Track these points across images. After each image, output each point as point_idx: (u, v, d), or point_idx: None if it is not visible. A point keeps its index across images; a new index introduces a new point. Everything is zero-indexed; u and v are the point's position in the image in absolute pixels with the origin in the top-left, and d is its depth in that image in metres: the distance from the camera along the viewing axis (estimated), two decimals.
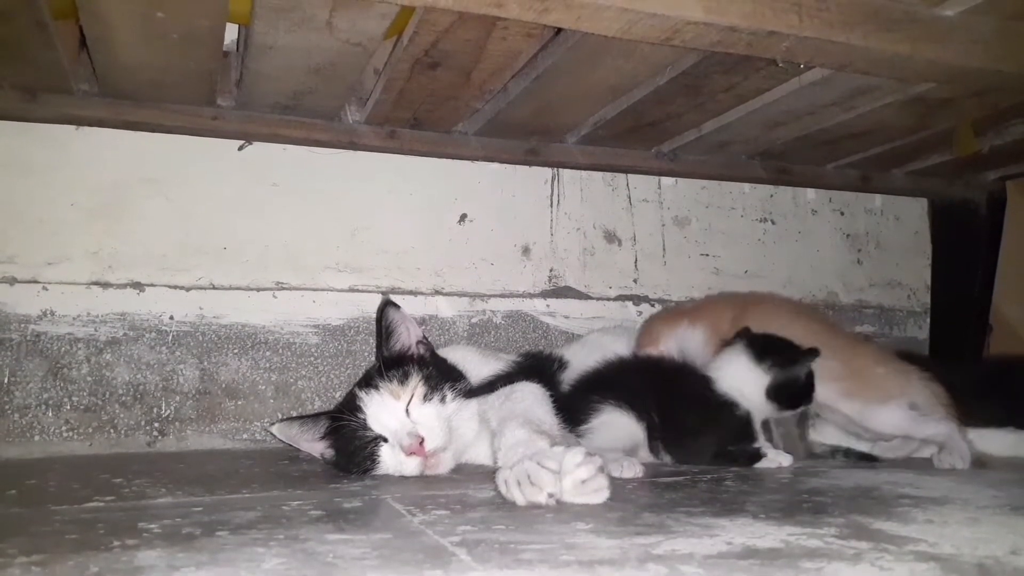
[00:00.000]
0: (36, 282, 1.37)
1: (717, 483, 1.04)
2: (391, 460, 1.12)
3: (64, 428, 1.36)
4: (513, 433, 1.00)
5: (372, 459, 1.13)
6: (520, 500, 0.87)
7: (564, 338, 1.67)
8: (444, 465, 1.13)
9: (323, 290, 1.54)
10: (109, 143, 1.41)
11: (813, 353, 1.19)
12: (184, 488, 1.00)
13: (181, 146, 1.45)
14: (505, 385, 1.20)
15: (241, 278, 1.49)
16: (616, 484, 0.92)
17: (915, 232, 2.04)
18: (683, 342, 1.37)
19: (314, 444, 1.23)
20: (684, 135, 1.58)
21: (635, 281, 1.78)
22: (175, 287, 1.45)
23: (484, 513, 0.84)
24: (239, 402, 1.46)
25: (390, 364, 1.18)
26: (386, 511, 0.87)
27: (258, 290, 1.50)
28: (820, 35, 1.01)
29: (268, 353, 1.49)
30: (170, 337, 1.43)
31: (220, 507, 0.88)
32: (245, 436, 1.46)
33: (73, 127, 1.39)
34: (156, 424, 1.41)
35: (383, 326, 1.24)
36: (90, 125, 1.39)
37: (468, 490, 0.99)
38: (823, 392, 1.22)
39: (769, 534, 0.73)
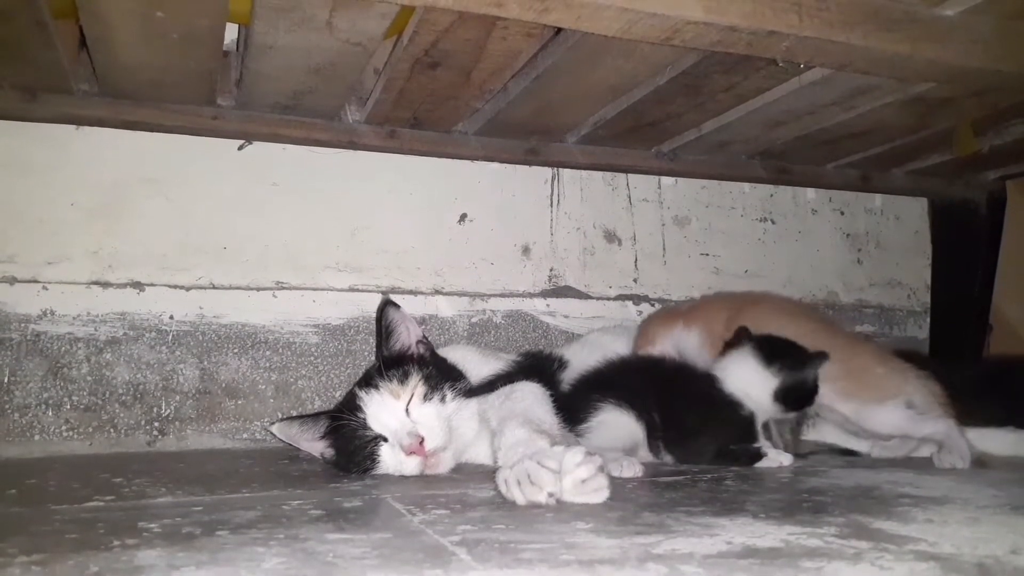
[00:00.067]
0: (36, 282, 1.37)
1: (717, 483, 1.03)
2: (391, 460, 1.12)
3: (64, 428, 1.36)
4: (513, 432, 1.00)
5: (372, 459, 1.13)
6: (520, 499, 0.87)
7: (564, 338, 1.67)
8: (444, 465, 1.13)
9: (323, 290, 1.54)
10: (109, 143, 1.41)
11: (822, 357, 1.19)
12: (184, 488, 1.00)
13: (181, 146, 1.45)
14: (505, 385, 1.20)
15: (241, 278, 1.49)
16: (616, 483, 0.92)
17: (915, 232, 2.04)
18: (679, 343, 1.37)
19: (314, 444, 1.23)
20: (684, 135, 1.58)
21: (635, 281, 1.78)
22: (175, 287, 1.45)
23: (484, 512, 0.84)
24: (239, 402, 1.46)
25: (390, 364, 1.18)
26: (386, 511, 0.87)
27: (258, 290, 1.50)
28: (820, 35, 1.01)
29: (268, 353, 1.49)
30: (170, 337, 1.43)
31: (220, 506, 0.88)
32: (245, 436, 1.46)
33: (73, 127, 1.39)
34: (156, 424, 1.41)
35: (383, 326, 1.24)
36: (90, 125, 1.39)
37: (468, 489, 0.99)
38: (821, 392, 1.22)
39: (769, 533, 0.73)
